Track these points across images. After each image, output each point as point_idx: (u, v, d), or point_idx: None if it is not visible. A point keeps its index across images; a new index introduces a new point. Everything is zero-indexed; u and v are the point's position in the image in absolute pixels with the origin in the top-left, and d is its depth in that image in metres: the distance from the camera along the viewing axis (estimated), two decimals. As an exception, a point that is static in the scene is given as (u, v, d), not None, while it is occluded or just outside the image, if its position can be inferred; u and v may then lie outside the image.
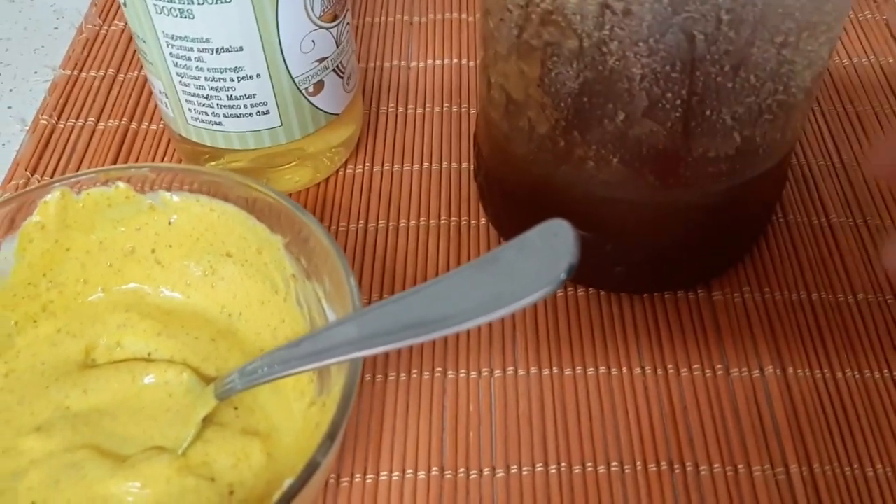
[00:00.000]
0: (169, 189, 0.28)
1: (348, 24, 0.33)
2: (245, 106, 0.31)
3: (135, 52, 0.42)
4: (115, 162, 0.37)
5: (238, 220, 0.28)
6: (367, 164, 0.37)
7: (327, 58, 0.32)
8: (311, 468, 0.21)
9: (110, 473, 0.24)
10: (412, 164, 0.37)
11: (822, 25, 0.24)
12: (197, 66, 0.30)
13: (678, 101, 0.25)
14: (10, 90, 0.42)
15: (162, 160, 0.37)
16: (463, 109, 0.39)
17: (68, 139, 0.38)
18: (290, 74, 0.31)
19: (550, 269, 0.19)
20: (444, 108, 0.39)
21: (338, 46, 0.32)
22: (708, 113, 0.25)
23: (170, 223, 0.28)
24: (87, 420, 0.26)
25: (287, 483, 0.21)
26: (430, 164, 0.37)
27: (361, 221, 0.35)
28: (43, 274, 0.28)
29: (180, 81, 0.31)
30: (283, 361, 0.23)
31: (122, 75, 0.41)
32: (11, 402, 0.26)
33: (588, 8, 0.23)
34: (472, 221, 0.35)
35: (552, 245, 0.20)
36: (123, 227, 0.29)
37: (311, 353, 0.23)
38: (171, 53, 0.30)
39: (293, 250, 0.27)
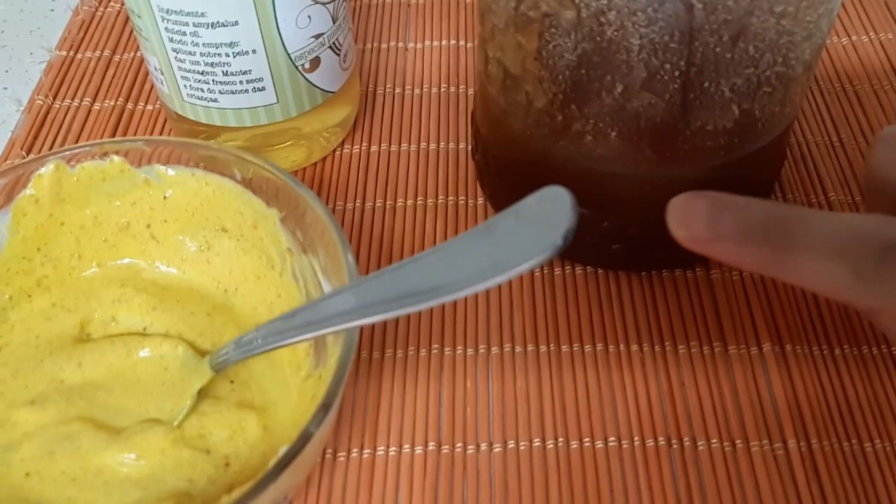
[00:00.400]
0: (164, 163, 0.28)
1: (345, 0, 0.32)
2: (241, 82, 0.31)
3: (131, 32, 0.42)
4: (110, 142, 0.37)
5: (233, 194, 0.27)
6: (364, 144, 0.37)
7: (324, 34, 0.31)
8: (304, 438, 0.21)
9: (105, 445, 0.24)
10: (409, 145, 0.37)
11: (821, -5, 0.24)
12: (192, 42, 0.30)
13: (676, 73, 0.24)
14: (6, 71, 0.41)
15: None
16: (461, 90, 0.39)
17: (64, 119, 0.38)
18: (286, 50, 0.31)
19: (548, 236, 0.19)
20: (442, 89, 0.39)
21: (334, 23, 0.32)
22: (706, 85, 0.25)
23: (165, 198, 0.28)
24: (81, 393, 0.26)
25: (282, 451, 0.21)
26: (428, 144, 0.37)
27: (358, 201, 0.35)
28: (37, 248, 0.28)
29: (176, 57, 0.31)
30: (279, 332, 0.23)
31: (118, 56, 0.41)
32: (6, 376, 0.26)
33: (586, -23, 0.23)
34: (470, 201, 0.35)
35: (549, 212, 0.20)
36: (118, 202, 0.28)
37: (307, 323, 0.23)
38: (166, 28, 0.30)
39: (289, 224, 0.27)
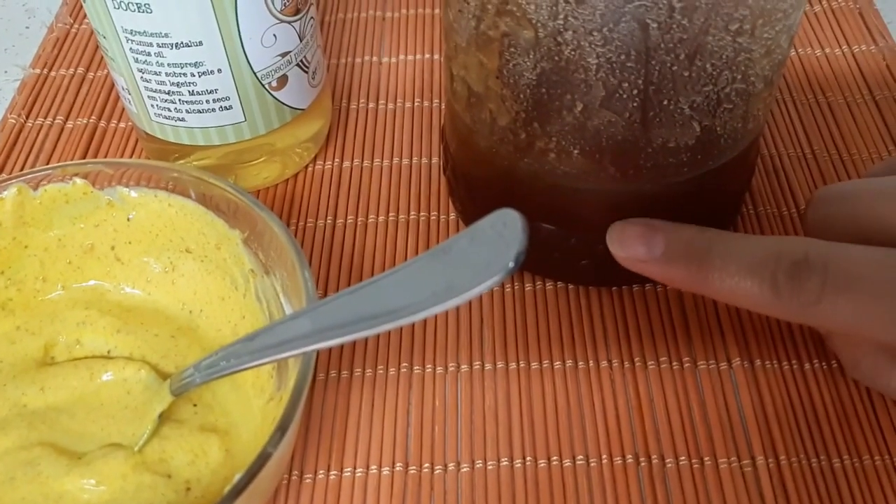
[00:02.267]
0: (127, 185, 0.28)
1: (312, 18, 0.32)
2: (207, 101, 0.31)
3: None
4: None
5: (196, 215, 0.27)
6: (336, 159, 0.37)
7: (290, 52, 0.31)
8: (261, 460, 0.21)
9: (66, 471, 0.24)
10: (382, 160, 0.37)
11: (777, 13, 0.24)
12: (157, 62, 0.30)
13: (635, 91, 0.24)
14: (-20, 90, 0.41)
15: (130, 158, 0.37)
16: (434, 105, 0.39)
17: (37, 137, 0.38)
18: (251, 69, 0.30)
19: (499, 259, 0.19)
20: (416, 104, 0.39)
21: (301, 40, 0.32)
22: (665, 102, 0.25)
23: (128, 219, 0.28)
24: (44, 418, 0.25)
25: (237, 476, 0.20)
26: (401, 159, 0.37)
27: (330, 218, 0.35)
28: (1, 272, 0.28)
29: (142, 77, 0.30)
30: (238, 356, 0.23)
31: (92, 74, 0.41)
32: (-33, 401, 0.26)
33: (541, -3, 0.23)
34: (442, 216, 0.35)
35: (502, 234, 0.20)
36: (82, 224, 0.28)
37: (265, 347, 0.23)
38: (131, 49, 0.30)
39: (252, 245, 0.27)
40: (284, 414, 0.21)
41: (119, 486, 0.24)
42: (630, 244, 0.26)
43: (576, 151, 0.27)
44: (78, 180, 0.28)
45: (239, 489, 0.20)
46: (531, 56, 0.25)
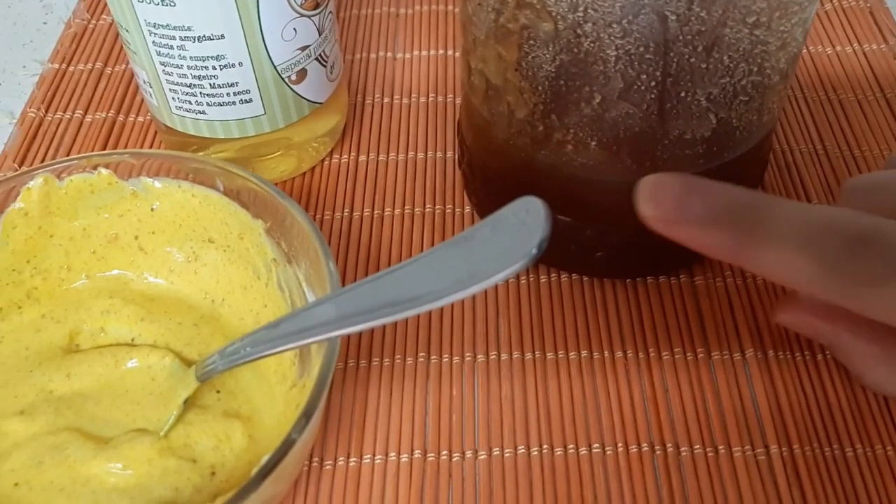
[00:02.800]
0: (150, 175, 0.28)
1: (331, 12, 0.33)
2: (228, 94, 0.31)
3: (122, 45, 0.42)
4: (102, 154, 0.37)
5: (219, 205, 0.28)
6: (352, 153, 0.37)
7: (310, 46, 0.32)
8: (286, 445, 0.21)
9: (93, 455, 0.24)
10: (397, 154, 0.37)
11: (793, 6, 0.24)
12: (179, 55, 0.30)
13: (653, 83, 0.25)
14: (-1, 84, 0.42)
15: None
16: (448, 99, 0.40)
17: (56, 131, 0.38)
18: (272, 62, 0.31)
19: (522, 245, 0.20)
20: (430, 99, 0.40)
21: (320, 35, 0.32)
22: (683, 94, 0.25)
23: (152, 209, 0.29)
24: (70, 403, 0.26)
25: (265, 458, 0.21)
26: (416, 153, 0.37)
27: (346, 210, 0.35)
28: (27, 260, 0.28)
29: (163, 70, 0.31)
30: (263, 342, 0.24)
31: (110, 68, 0.41)
32: (-5, 387, 0.26)
33: (562, -10, 0.24)
34: (457, 209, 0.35)
35: (524, 221, 0.20)
36: (106, 214, 0.29)
37: (289, 334, 0.23)
38: (153, 42, 0.30)
39: (274, 235, 0.27)
40: (310, 399, 0.22)
41: (145, 469, 0.24)
42: (662, 201, 0.22)
43: (593, 143, 0.27)
44: (103, 170, 0.28)
45: (265, 472, 0.21)
46: (550, 48, 0.25)
